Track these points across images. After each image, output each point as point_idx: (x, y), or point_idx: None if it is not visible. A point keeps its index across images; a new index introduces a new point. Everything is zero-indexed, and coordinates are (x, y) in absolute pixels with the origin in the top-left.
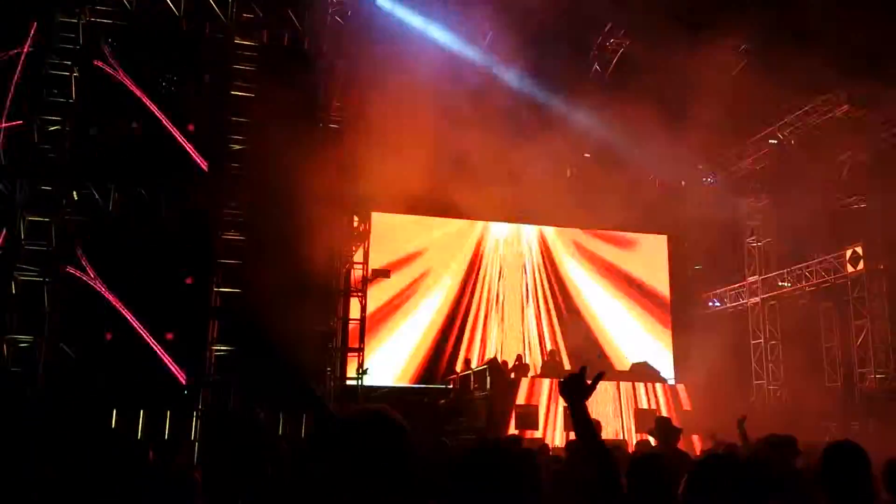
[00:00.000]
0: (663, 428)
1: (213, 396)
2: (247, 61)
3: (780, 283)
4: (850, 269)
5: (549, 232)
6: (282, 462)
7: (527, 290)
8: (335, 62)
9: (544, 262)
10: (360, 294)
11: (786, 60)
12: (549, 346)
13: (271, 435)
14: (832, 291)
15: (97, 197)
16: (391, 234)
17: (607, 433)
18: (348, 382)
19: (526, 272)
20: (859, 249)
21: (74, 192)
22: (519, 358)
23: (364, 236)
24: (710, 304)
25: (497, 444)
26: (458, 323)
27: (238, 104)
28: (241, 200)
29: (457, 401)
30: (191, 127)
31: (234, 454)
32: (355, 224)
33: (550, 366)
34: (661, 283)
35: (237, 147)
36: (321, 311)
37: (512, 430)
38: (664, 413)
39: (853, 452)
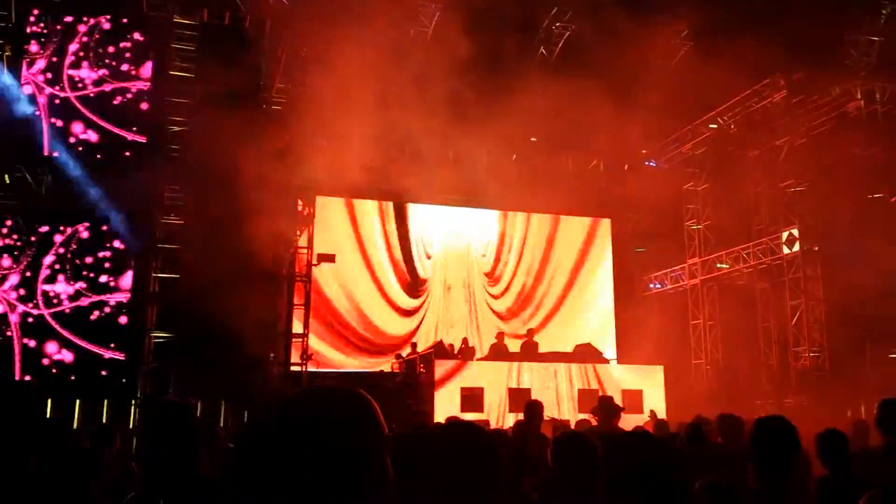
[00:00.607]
0: (605, 407)
1: (152, 384)
2: (186, 40)
3: (718, 265)
4: (786, 250)
5: (495, 215)
6: (220, 453)
7: (473, 273)
8: (278, 43)
9: (490, 245)
10: (304, 279)
11: (726, 46)
12: (495, 330)
13: (209, 425)
14: (769, 272)
15: (30, 180)
16: (337, 218)
17: (551, 414)
18: (292, 368)
19: (472, 255)
20: (795, 232)
21: (6, 176)
22: (465, 341)
23: (309, 220)
24: (652, 285)
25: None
26: (404, 307)
27: (177, 84)
28: (180, 183)
29: (403, 385)
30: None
31: (168, 445)
32: (300, 208)
33: (496, 349)
34: (604, 265)
35: (177, 129)
36: (264, 297)
37: (458, 413)
38: (606, 393)
39: (781, 427)
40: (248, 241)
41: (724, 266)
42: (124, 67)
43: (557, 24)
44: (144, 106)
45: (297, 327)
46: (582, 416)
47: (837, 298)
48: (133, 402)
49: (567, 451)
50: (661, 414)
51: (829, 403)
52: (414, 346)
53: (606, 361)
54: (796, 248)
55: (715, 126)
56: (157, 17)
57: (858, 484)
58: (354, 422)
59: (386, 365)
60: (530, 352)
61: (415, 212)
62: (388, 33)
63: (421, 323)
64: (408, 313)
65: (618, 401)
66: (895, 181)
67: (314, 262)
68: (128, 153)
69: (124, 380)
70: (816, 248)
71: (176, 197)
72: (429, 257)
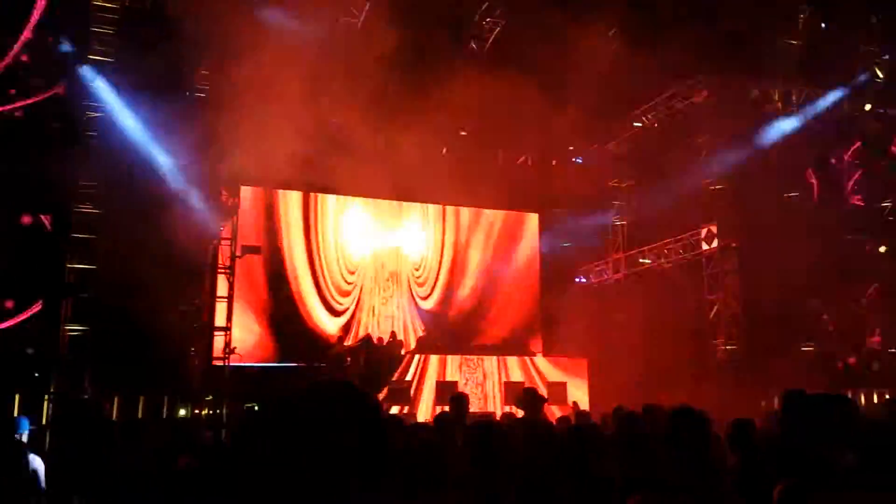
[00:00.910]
0: (530, 398)
1: (66, 379)
2: (106, 24)
3: (641, 260)
4: (705, 246)
5: (425, 209)
6: (205, 452)
7: (401, 266)
8: (201, 28)
9: (418, 239)
10: (227, 271)
11: (651, 46)
12: (422, 323)
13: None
14: (689, 268)
15: None
16: (262, 209)
17: (478, 407)
18: (214, 363)
19: (400, 249)
20: (714, 228)
21: None
22: (393, 334)
23: (233, 211)
24: (577, 279)
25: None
26: (332, 300)
27: (96, 70)
28: (97, 171)
29: (330, 378)
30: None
31: (78, 443)
32: (223, 198)
33: (424, 342)
34: (531, 259)
35: (94, 115)
36: (186, 289)
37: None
38: (532, 385)
39: (695, 417)
40: (169, 232)
41: (646, 261)
42: None
43: (488, 18)
44: (59, 90)
45: (221, 320)
46: (508, 408)
47: (753, 294)
48: (45, 397)
49: (479, 439)
50: (585, 405)
51: (744, 394)
52: (341, 339)
53: (533, 354)
54: (715, 244)
55: (639, 124)
56: None
57: (765, 471)
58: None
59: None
60: (458, 345)
61: (342, 204)
62: (316, 22)
63: (352, 317)
64: (336, 307)
65: (543, 393)
66: (810, 182)
67: (238, 253)
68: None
69: (37, 374)
70: (734, 245)
71: (92, 185)
72: (357, 250)
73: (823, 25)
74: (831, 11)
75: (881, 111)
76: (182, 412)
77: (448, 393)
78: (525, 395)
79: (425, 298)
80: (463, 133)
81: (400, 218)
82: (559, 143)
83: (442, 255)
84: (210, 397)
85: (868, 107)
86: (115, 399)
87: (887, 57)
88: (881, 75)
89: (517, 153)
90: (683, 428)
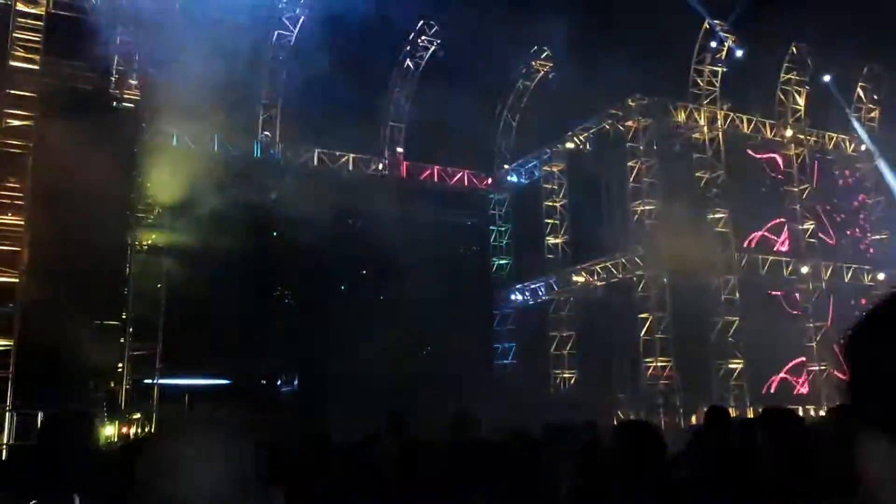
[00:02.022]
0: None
1: None
2: (30, 30)
3: (574, 279)
4: (636, 266)
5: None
6: None
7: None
8: (130, 38)
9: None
10: (158, 285)
11: (583, 70)
12: None
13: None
14: (622, 287)
15: None
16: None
17: None
18: (145, 381)
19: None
20: (644, 248)
21: None
22: None
23: (162, 224)
24: (513, 297)
25: None
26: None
27: (19, 76)
28: (20, 180)
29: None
30: None
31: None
32: (152, 210)
33: None
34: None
35: (17, 123)
36: (113, 301)
37: None
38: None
39: (643, 429)
40: (94, 244)
41: (579, 280)
42: None
43: (423, 37)
44: None
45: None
46: None
47: (682, 312)
48: None
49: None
50: None
51: (676, 410)
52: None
53: None
54: (645, 264)
55: (572, 146)
56: None
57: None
58: None
59: None
60: None
61: None
62: (250, 35)
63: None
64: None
65: None
66: (734, 203)
67: (168, 267)
68: None
69: None
70: (664, 265)
71: (14, 196)
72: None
73: (740, 53)
74: (754, 40)
75: (800, 136)
76: (109, 430)
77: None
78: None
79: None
80: (400, 150)
81: None
82: (494, 162)
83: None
84: (138, 416)
85: (789, 133)
86: (39, 416)
87: (808, 87)
88: (801, 102)
89: (453, 170)
90: (630, 441)
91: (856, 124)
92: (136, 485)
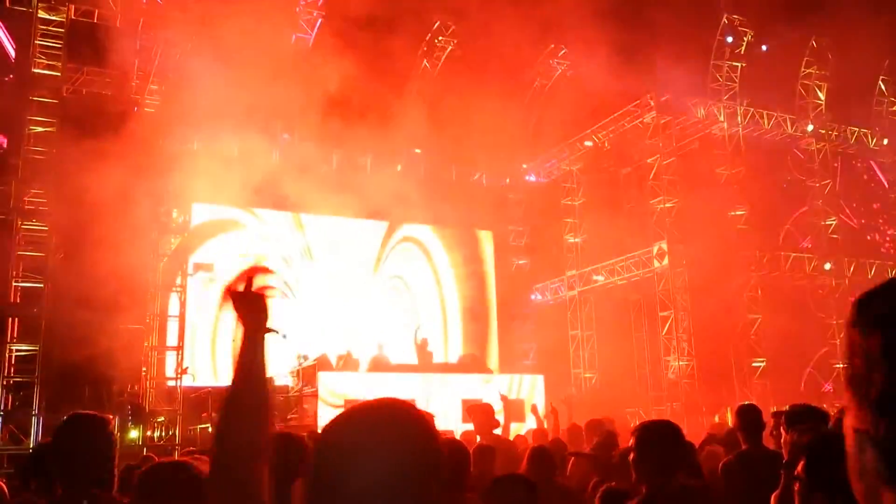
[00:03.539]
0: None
1: (14, 399)
2: (52, 37)
3: (594, 277)
4: (656, 264)
5: (380, 226)
6: None
7: (357, 283)
8: (151, 43)
9: (373, 256)
10: (179, 289)
11: (601, 67)
12: (376, 341)
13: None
14: (641, 285)
15: None
16: (215, 226)
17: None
18: (168, 383)
19: (355, 266)
20: (664, 245)
21: None
22: (349, 353)
23: (184, 228)
24: (533, 297)
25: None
26: (288, 319)
27: (42, 82)
28: (44, 187)
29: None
30: None
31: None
32: (174, 215)
33: (378, 359)
34: (487, 277)
35: (40, 129)
36: (136, 307)
37: None
38: (490, 402)
39: (665, 429)
40: (118, 249)
41: (599, 278)
42: None
43: (440, 37)
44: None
45: (173, 340)
46: (467, 426)
47: (704, 310)
48: None
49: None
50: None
51: (698, 410)
52: (302, 358)
53: (490, 371)
54: (665, 261)
55: (590, 143)
56: (19, 11)
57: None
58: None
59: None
60: (417, 362)
61: (297, 221)
62: (268, 38)
63: (304, 335)
64: (290, 324)
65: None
66: (755, 199)
67: (190, 271)
68: None
69: None
70: (684, 262)
71: (39, 202)
72: (312, 267)
73: (764, 48)
74: (773, 35)
75: (822, 131)
76: (133, 434)
77: None
78: (477, 414)
79: (380, 316)
80: (417, 150)
81: (355, 234)
82: (512, 161)
83: (398, 273)
84: (162, 419)
85: (810, 127)
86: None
87: (828, 82)
88: (822, 96)
89: (471, 170)
90: (654, 440)
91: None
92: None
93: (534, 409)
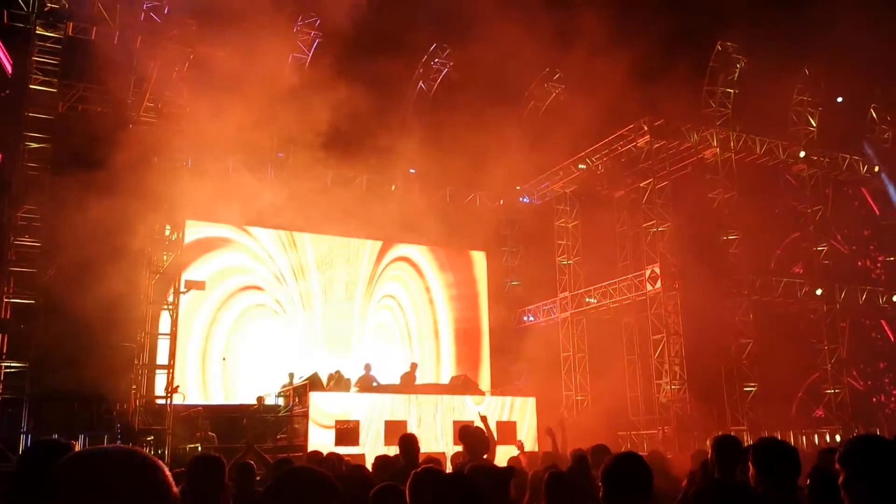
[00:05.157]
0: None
1: (3, 417)
2: (49, 54)
3: (587, 300)
4: (648, 287)
5: (372, 245)
6: None
7: (349, 303)
8: (148, 61)
9: (367, 276)
10: (170, 307)
11: (595, 91)
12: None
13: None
14: (634, 308)
15: None
16: (208, 243)
17: (427, 447)
18: (157, 401)
19: (348, 286)
20: (657, 269)
21: None
22: (339, 373)
23: (177, 245)
24: (525, 318)
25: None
26: (279, 337)
27: (38, 99)
28: (37, 202)
29: (275, 418)
30: None
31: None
32: (167, 232)
33: (364, 380)
34: (480, 298)
35: (35, 145)
36: (127, 325)
37: (332, 447)
38: (480, 425)
39: (633, 466)
40: (110, 266)
41: (592, 301)
42: None
43: (436, 59)
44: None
45: (163, 358)
46: (457, 448)
47: (696, 333)
48: None
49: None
50: (530, 445)
51: (690, 434)
52: (291, 377)
53: (482, 393)
54: (658, 285)
55: (584, 166)
56: (17, 28)
57: None
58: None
59: (270, 397)
60: (407, 383)
61: (290, 240)
62: (265, 58)
63: (295, 354)
64: (281, 344)
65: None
66: (746, 224)
67: (182, 289)
68: None
69: None
70: (676, 285)
71: (31, 217)
72: (303, 286)
73: (752, 76)
74: (766, 62)
75: (814, 158)
76: None
77: (398, 433)
78: (466, 437)
79: (371, 335)
80: (412, 170)
81: (348, 254)
82: (506, 183)
83: (390, 293)
84: (151, 438)
85: (802, 153)
86: (54, 437)
87: (820, 109)
88: (814, 123)
89: (465, 192)
90: (621, 477)
91: (867, 145)
92: None
93: (520, 446)
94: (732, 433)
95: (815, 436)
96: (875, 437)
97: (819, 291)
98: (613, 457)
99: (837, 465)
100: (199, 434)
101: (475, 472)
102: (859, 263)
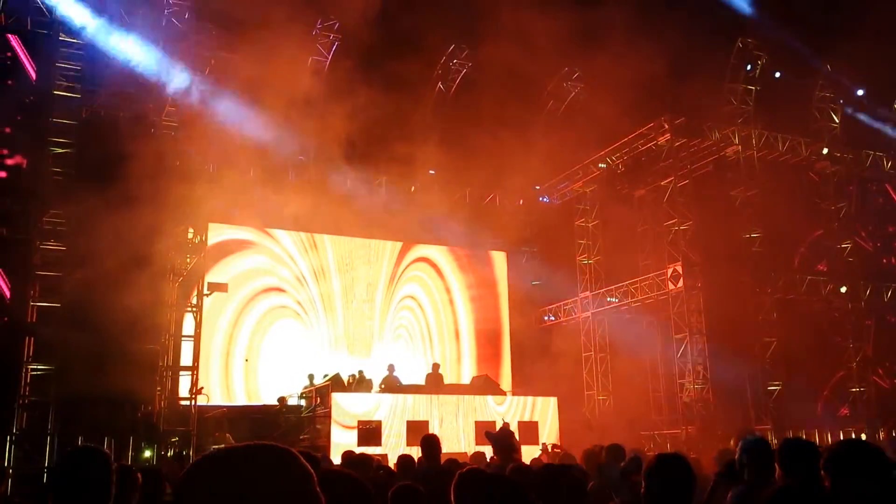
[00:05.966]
0: (502, 441)
1: (29, 420)
2: (73, 59)
3: (608, 299)
4: (671, 286)
5: (392, 247)
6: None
7: (371, 304)
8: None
9: (387, 277)
10: (194, 309)
11: (615, 90)
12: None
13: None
14: (655, 307)
15: None
16: (231, 246)
17: (449, 447)
18: (182, 403)
19: (369, 287)
20: (679, 268)
21: None
22: (361, 374)
23: (200, 248)
24: (546, 318)
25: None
26: (301, 339)
27: (62, 104)
28: (62, 207)
29: (297, 418)
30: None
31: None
32: (190, 235)
33: (389, 381)
34: (500, 298)
35: (59, 150)
36: (152, 328)
37: (354, 447)
38: (502, 425)
39: (677, 465)
40: (134, 269)
41: (613, 300)
42: None
43: (455, 61)
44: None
45: (187, 359)
46: (479, 448)
47: (719, 332)
48: (8, 438)
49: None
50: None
51: (714, 433)
52: (311, 378)
53: (503, 393)
54: (680, 283)
55: (604, 165)
56: (41, 34)
57: None
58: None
59: (292, 398)
60: (429, 384)
61: (312, 242)
62: (285, 60)
63: (317, 356)
64: (303, 345)
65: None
66: (769, 222)
67: (205, 291)
68: (4, 174)
69: None
70: (699, 284)
71: (57, 222)
72: (326, 288)
73: (777, 74)
74: (787, 60)
75: (837, 154)
76: (147, 454)
77: (419, 433)
78: (497, 439)
79: (394, 336)
80: (431, 172)
81: (368, 255)
82: (526, 183)
83: (412, 293)
84: (176, 439)
85: (825, 150)
86: (80, 439)
87: (842, 102)
88: (836, 119)
89: (485, 192)
90: (666, 477)
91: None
92: None
93: (544, 448)
94: (756, 432)
95: (841, 434)
96: (858, 441)
97: (843, 289)
98: (657, 457)
99: (822, 471)
100: (216, 434)
101: (516, 474)
102: (884, 260)
